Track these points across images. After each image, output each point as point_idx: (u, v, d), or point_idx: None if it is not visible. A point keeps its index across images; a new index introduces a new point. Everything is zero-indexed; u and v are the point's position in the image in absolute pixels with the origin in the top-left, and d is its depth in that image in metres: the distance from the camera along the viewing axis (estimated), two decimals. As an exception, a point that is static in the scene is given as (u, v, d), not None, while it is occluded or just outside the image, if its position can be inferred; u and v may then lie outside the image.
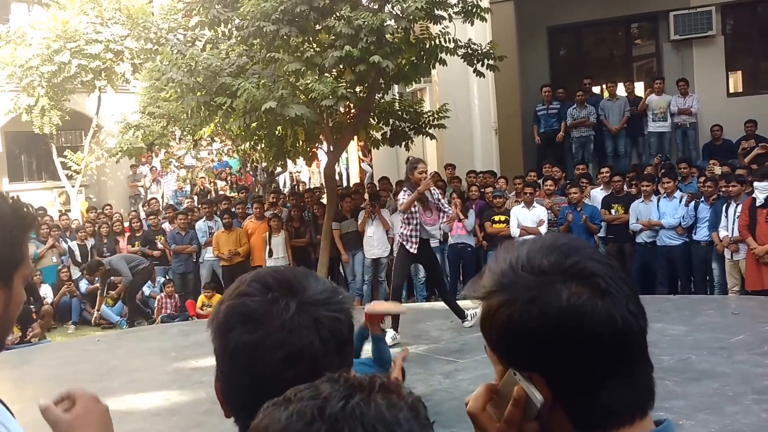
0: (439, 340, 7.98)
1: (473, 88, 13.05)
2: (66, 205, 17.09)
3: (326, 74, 9.71)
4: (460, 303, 8.26)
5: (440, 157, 13.43)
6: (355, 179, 17.52)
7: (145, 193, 17.28)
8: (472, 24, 10.47)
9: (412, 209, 7.89)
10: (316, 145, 12.98)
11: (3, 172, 17.89)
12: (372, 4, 9.79)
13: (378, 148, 12.79)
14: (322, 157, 14.21)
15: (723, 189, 9.33)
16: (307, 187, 17.78)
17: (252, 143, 13.03)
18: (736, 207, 8.97)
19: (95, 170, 17.09)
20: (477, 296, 0.98)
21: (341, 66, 9.82)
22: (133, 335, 10.51)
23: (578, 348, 0.90)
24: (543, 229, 9.72)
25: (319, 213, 11.93)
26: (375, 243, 10.91)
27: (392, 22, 9.37)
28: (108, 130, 16.83)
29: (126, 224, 13.32)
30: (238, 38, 10.49)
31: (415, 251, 7.92)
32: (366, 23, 8.85)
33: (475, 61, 10.52)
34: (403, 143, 11.76)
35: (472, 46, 10.51)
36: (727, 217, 9.08)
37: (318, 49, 9.80)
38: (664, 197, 9.81)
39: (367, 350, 3.85)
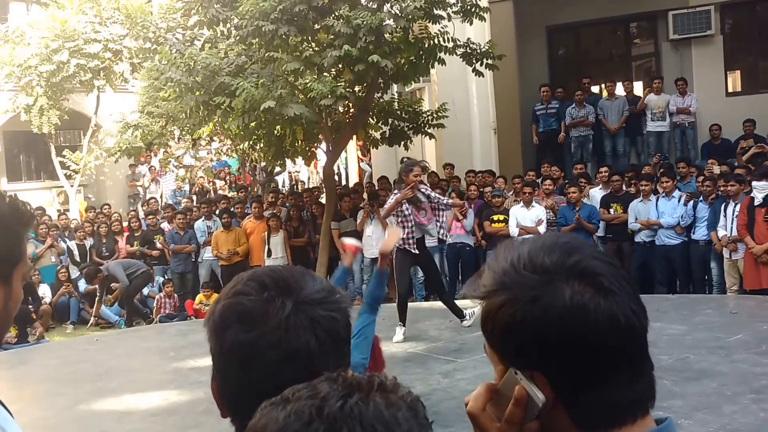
0: (437, 340, 7.98)
1: (472, 88, 13.05)
2: (65, 204, 17.07)
3: (325, 74, 9.71)
4: (459, 303, 8.25)
5: (439, 156, 13.43)
6: (354, 179, 17.53)
7: (144, 193, 17.26)
8: (471, 23, 10.47)
9: (405, 212, 7.75)
10: (315, 144, 12.97)
11: (2, 171, 17.88)
12: (371, 3, 9.79)
13: (377, 148, 12.79)
14: (321, 157, 14.21)
15: (721, 188, 9.33)
16: (306, 186, 17.82)
17: (251, 143, 13.04)
18: (735, 206, 8.98)
19: (94, 170, 17.07)
20: (478, 295, 0.97)
21: (340, 65, 9.82)
22: (132, 335, 10.51)
23: (580, 347, 0.90)
24: (542, 229, 9.71)
25: (318, 213, 11.93)
26: (374, 242, 10.88)
27: (391, 22, 9.37)
28: (107, 130, 16.82)
29: (125, 224, 13.31)
30: (237, 38, 10.48)
31: (417, 251, 7.87)
32: (365, 23, 8.85)
33: (474, 61, 10.52)
34: (402, 143, 11.77)
35: (471, 45, 10.51)
36: (725, 216, 9.08)
37: (317, 48, 9.80)
38: (663, 197, 9.81)
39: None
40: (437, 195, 8.25)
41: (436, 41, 10.05)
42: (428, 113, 11.65)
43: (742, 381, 5.72)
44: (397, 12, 9.37)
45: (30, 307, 10.63)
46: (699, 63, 12.89)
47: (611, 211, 10.36)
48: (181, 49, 10.58)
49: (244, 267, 10.68)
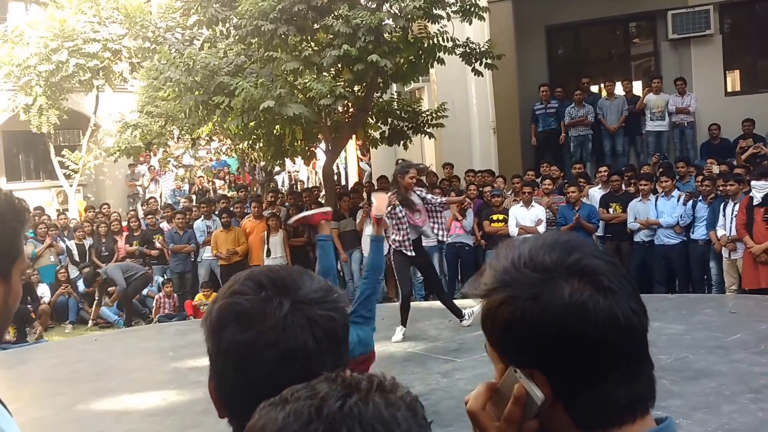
0: (437, 339, 7.97)
1: (471, 87, 13.05)
2: (64, 204, 17.06)
3: (324, 73, 9.71)
4: (458, 302, 8.24)
5: (438, 156, 13.43)
6: (353, 178, 17.52)
7: (143, 193, 17.25)
8: (470, 23, 10.47)
9: (400, 215, 7.66)
10: (315, 144, 12.98)
11: (1, 171, 17.87)
12: (370, 3, 9.80)
13: (376, 147, 12.79)
14: (321, 156, 14.21)
15: (721, 188, 9.33)
16: (306, 186, 17.80)
17: (250, 142, 13.03)
18: (734, 206, 8.98)
19: (93, 169, 17.07)
20: (478, 294, 0.97)
21: (339, 65, 9.82)
22: (131, 335, 10.50)
23: (580, 345, 0.90)
24: (541, 229, 9.71)
25: (318, 212, 11.90)
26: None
27: (390, 21, 9.37)
28: (106, 130, 16.81)
29: (124, 223, 13.29)
30: (236, 37, 10.48)
31: (413, 253, 7.85)
32: (364, 22, 8.85)
33: (474, 61, 10.53)
34: (402, 142, 11.77)
35: (471, 45, 10.51)
36: (724, 216, 9.08)
37: (316, 48, 9.80)
38: (662, 196, 9.82)
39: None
40: (432, 196, 8.16)
41: (435, 41, 10.06)
42: (427, 113, 11.66)
43: (740, 380, 5.71)
44: (397, 12, 9.37)
45: (29, 306, 10.63)
46: (698, 63, 12.90)
47: (610, 210, 10.36)
48: (180, 48, 10.58)
49: (244, 267, 10.65)
